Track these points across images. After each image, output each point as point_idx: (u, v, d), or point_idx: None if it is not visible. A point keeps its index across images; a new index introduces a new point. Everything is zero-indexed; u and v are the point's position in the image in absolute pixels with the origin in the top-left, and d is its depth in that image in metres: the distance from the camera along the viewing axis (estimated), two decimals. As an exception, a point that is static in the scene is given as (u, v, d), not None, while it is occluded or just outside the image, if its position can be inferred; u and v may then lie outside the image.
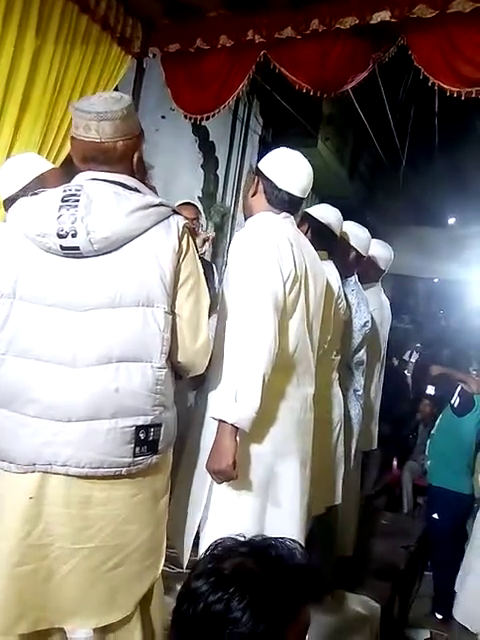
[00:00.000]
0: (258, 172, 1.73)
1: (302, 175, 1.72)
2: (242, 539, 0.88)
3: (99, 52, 2.81)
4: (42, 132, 2.53)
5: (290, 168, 1.71)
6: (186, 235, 1.36)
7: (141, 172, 1.41)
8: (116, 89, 3.06)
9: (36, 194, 1.36)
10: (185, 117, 3.23)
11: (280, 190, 1.68)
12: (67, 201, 1.28)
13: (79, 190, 1.29)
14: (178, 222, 1.35)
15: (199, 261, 1.42)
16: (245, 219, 1.82)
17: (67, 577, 1.29)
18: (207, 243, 2.83)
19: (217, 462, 1.45)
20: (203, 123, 3.58)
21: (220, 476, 1.46)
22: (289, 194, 1.69)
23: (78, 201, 1.27)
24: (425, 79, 2.62)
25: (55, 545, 1.28)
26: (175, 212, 1.36)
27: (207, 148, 5.34)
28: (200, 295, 1.39)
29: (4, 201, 1.78)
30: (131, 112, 1.37)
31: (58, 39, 2.53)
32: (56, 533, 1.27)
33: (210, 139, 5.29)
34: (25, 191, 1.67)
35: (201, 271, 1.41)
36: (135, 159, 1.39)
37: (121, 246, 1.29)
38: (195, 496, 1.59)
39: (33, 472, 1.27)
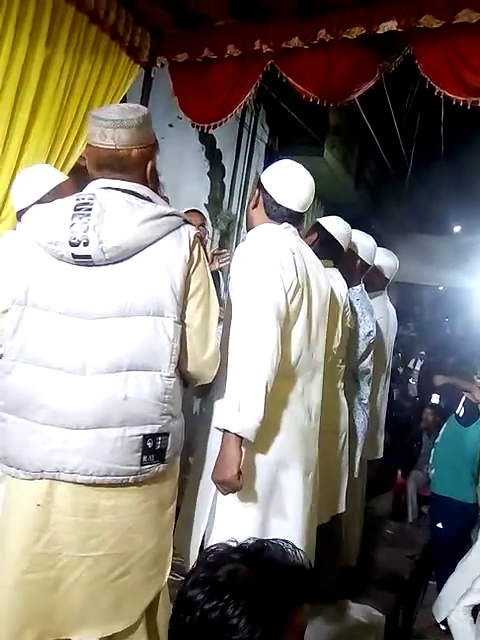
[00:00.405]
0: (259, 185, 1.74)
1: (302, 190, 1.73)
2: (234, 544, 0.88)
3: (108, 61, 2.83)
4: (51, 140, 2.56)
5: (290, 183, 1.72)
6: (197, 245, 1.37)
7: (154, 181, 1.42)
8: (124, 98, 3.09)
9: (49, 203, 1.37)
10: (192, 126, 3.26)
11: (279, 205, 1.69)
12: (80, 210, 1.28)
13: (92, 199, 1.30)
14: (189, 232, 1.36)
15: (209, 271, 1.43)
16: (247, 230, 1.83)
17: (73, 587, 1.28)
18: (217, 260, 2.80)
19: (222, 472, 1.44)
20: (210, 132, 3.59)
21: (225, 486, 1.45)
22: (288, 209, 1.70)
23: (91, 210, 1.28)
24: (431, 88, 2.64)
25: (62, 554, 1.27)
26: (186, 222, 1.37)
27: (214, 156, 5.38)
28: (210, 305, 1.39)
29: (18, 212, 1.79)
30: (147, 122, 1.38)
31: (68, 49, 2.56)
32: (63, 542, 1.27)
33: (217, 147, 5.33)
34: (40, 203, 1.68)
35: (211, 281, 1.41)
36: (149, 168, 1.39)
37: (132, 255, 1.30)
38: (201, 505, 1.58)
39: (41, 479, 1.27)
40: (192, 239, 1.35)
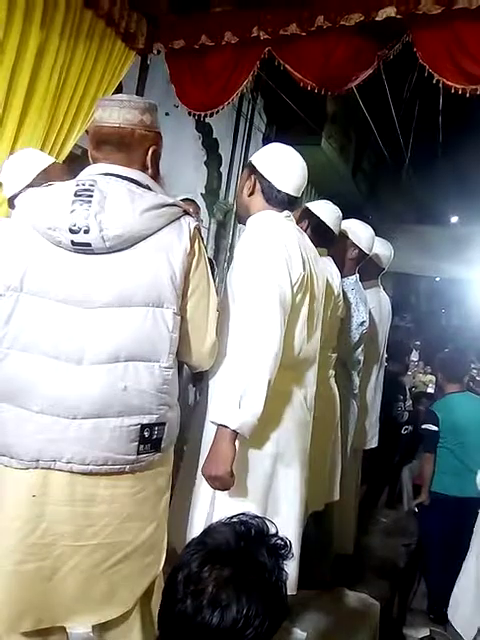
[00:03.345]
0: (253, 170, 1.69)
1: (299, 174, 1.70)
2: (200, 547, 0.89)
3: (103, 47, 2.80)
4: (45, 128, 2.53)
5: (288, 168, 1.69)
6: (198, 237, 1.36)
7: (154, 168, 1.40)
8: (120, 85, 3.06)
9: (46, 186, 1.35)
10: (189, 114, 3.23)
11: (279, 191, 1.66)
12: (80, 196, 1.26)
13: (93, 185, 1.28)
14: (190, 223, 1.35)
15: (208, 263, 1.42)
16: (240, 218, 1.79)
17: (69, 575, 1.28)
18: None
19: (214, 468, 1.42)
20: (207, 120, 3.57)
21: (216, 482, 1.44)
22: (288, 194, 1.67)
23: (92, 196, 1.26)
24: (430, 77, 2.62)
25: (58, 544, 1.27)
26: (186, 213, 1.36)
27: (211, 145, 5.35)
28: (209, 298, 1.40)
29: (9, 199, 1.77)
30: (153, 110, 1.39)
31: (62, 34, 2.52)
32: (59, 532, 1.27)
33: (214, 136, 5.29)
34: (31, 187, 1.67)
35: (210, 274, 1.41)
36: (150, 152, 1.38)
37: (133, 245, 1.28)
38: (198, 496, 1.57)
39: (36, 468, 1.26)
40: (192, 231, 1.34)
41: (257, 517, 0.93)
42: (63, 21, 2.51)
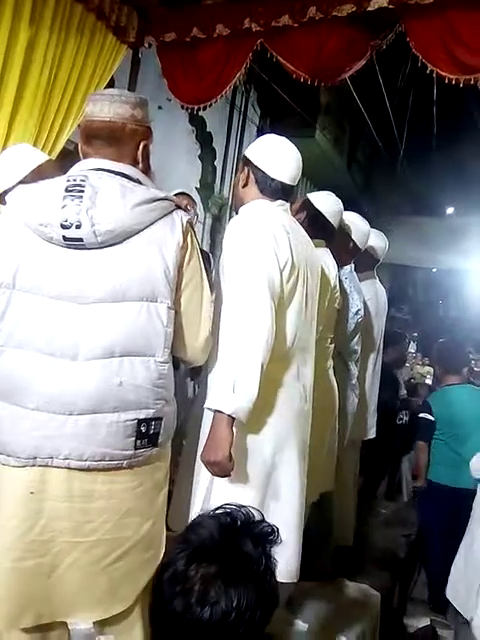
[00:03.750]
0: (247, 162, 1.70)
1: (292, 163, 1.71)
2: (184, 545, 0.89)
3: (94, 42, 2.78)
4: (37, 123, 2.52)
5: (281, 156, 1.70)
6: (190, 231, 1.36)
7: (145, 162, 1.40)
8: (112, 79, 3.04)
9: (36, 182, 1.35)
10: (182, 107, 3.22)
11: (273, 179, 1.66)
12: (71, 191, 1.26)
13: (84, 180, 1.27)
14: (182, 217, 1.34)
15: (201, 257, 1.42)
16: (235, 210, 1.79)
17: (68, 571, 1.28)
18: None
19: (213, 453, 1.43)
20: (200, 114, 3.56)
21: (215, 467, 1.44)
22: (282, 183, 1.67)
23: (83, 191, 1.25)
24: (424, 67, 2.61)
25: (57, 540, 1.27)
26: (178, 207, 1.36)
27: (204, 139, 5.32)
28: (203, 292, 1.39)
29: (1, 194, 1.76)
30: (144, 105, 1.39)
31: (52, 28, 2.51)
32: (58, 528, 1.27)
33: (207, 130, 5.27)
34: (22, 184, 1.66)
35: (203, 267, 1.41)
36: (141, 147, 1.38)
37: (125, 239, 1.28)
38: (197, 486, 1.58)
39: (33, 466, 1.26)
40: (185, 225, 1.34)
41: (242, 506, 0.93)
42: (53, 16, 2.50)
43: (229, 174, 5.67)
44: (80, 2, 2.64)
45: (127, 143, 1.36)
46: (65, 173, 1.40)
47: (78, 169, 1.34)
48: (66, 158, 1.97)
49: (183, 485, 1.63)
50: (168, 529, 1.48)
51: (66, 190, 1.26)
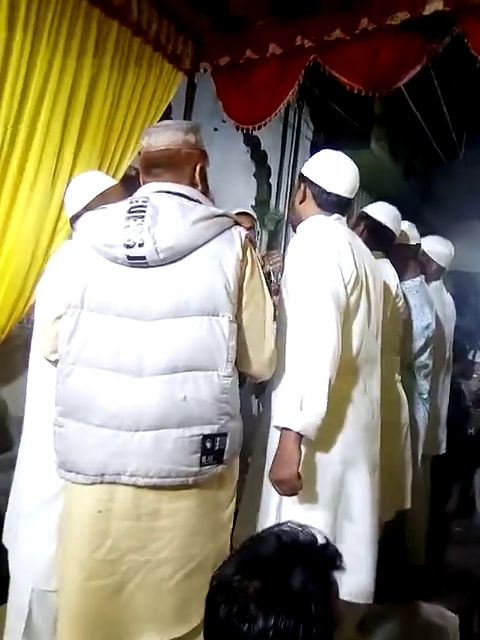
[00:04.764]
0: (303, 179, 1.72)
1: (348, 175, 1.71)
2: (238, 555, 0.88)
3: (152, 71, 2.88)
4: (101, 151, 2.63)
5: (336, 170, 1.70)
6: (249, 246, 1.38)
7: (203, 184, 1.45)
8: (169, 106, 3.14)
9: (103, 208, 1.41)
10: (237, 128, 3.26)
11: (329, 193, 1.67)
12: (134, 212, 1.31)
13: (146, 202, 1.33)
14: (240, 232, 1.37)
15: (262, 271, 1.43)
16: (293, 227, 1.80)
17: (137, 591, 1.29)
18: (267, 262, 2.70)
19: (281, 471, 1.41)
20: (254, 133, 3.59)
21: (283, 486, 1.43)
22: (338, 196, 1.67)
23: (145, 212, 1.30)
24: (483, 68, 2.53)
25: (124, 559, 1.28)
26: (237, 223, 1.38)
27: (259, 157, 5.37)
28: (265, 305, 1.40)
29: (71, 219, 1.86)
30: (197, 130, 1.46)
31: (113, 61, 2.62)
32: (125, 547, 1.28)
33: (262, 148, 5.32)
34: (88, 209, 1.74)
35: (264, 281, 1.42)
36: (197, 169, 1.43)
37: (185, 256, 1.31)
38: (265, 505, 1.57)
39: (101, 483, 1.28)
40: (243, 239, 1.36)
41: (307, 527, 0.91)
42: (114, 49, 2.62)
43: (284, 190, 5.69)
44: (138, 35, 2.74)
45: (184, 167, 1.41)
46: (127, 196, 1.46)
47: (140, 193, 1.40)
48: (126, 182, 2.05)
49: (249, 504, 1.63)
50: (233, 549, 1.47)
51: (129, 211, 1.32)
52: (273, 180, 5.64)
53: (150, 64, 2.86)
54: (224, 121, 3.40)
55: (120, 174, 2.76)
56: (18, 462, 1.74)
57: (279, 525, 0.93)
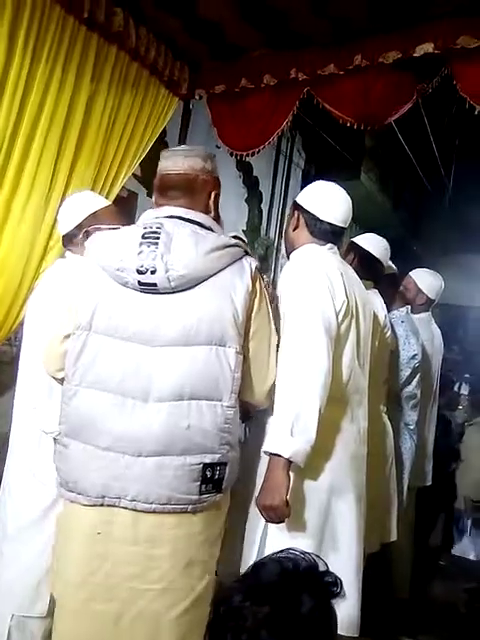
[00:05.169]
0: (297, 206, 1.74)
1: (342, 205, 1.73)
2: (243, 582, 0.87)
3: (148, 95, 2.92)
4: (94, 172, 2.64)
5: (329, 199, 1.73)
6: (259, 277, 1.39)
7: (216, 212, 1.47)
8: (164, 130, 3.18)
9: (116, 229, 1.42)
10: (231, 154, 3.31)
11: (322, 222, 1.69)
12: (148, 238, 1.32)
13: (159, 228, 1.33)
14: (251, 263, 1.38)
15: (269, 303, 1.44)
16: (287, 254, 1.82)
17: (136, 620, 1.27)
18: None
19: (269, 497, 1.40)
20: (247, 159, 3.65)
21: (271, 513, 1.41)
22: (331, 225, 1.69)
23: (159, 238, 1.31)
24: (471, 108, 2.60)
25: (123, 585, 1.26)
26: (247, 253, 1.39)
27: (251, 183, 5.44)
28: (271, 337, 1.41)
29: (63, 237, 1.86)
30: (212, 158, 1.48)
31: (110, 85, 2.66)
32: (125, 573, 1.26)
33: (254, 174, 5.39)
34: (80, 228, 1.74)
35: (271, 313, 1.43)
36: (212, 196, 1.45)
37: (197, 284, 1.32)
38: (250, 531, 1.54)
39: (102, 505, 1.27)
40: (254, 271, 1.37)
41: (307, 554, 0.91)
42: (111, 73, 2.65)
43: (275, 217, 5.75)
44: (136, 60, 2.79)
45: (199, 193, 1.42)
46: (119, 218, 1.46)
47: (153, 216, 1.40)
48: (118, 204, 2.06)
49: (234, 531, 1.60)
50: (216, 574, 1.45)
51: (143, 237, 1.32)
52: (264, 206, 5.70)
53: (147, 88, 2.91)
54: (218, 147, 3.45)
55: (113, 195, 2.78)
56: (3, 483, 1.71)
57: (278, 552, 0.93)
